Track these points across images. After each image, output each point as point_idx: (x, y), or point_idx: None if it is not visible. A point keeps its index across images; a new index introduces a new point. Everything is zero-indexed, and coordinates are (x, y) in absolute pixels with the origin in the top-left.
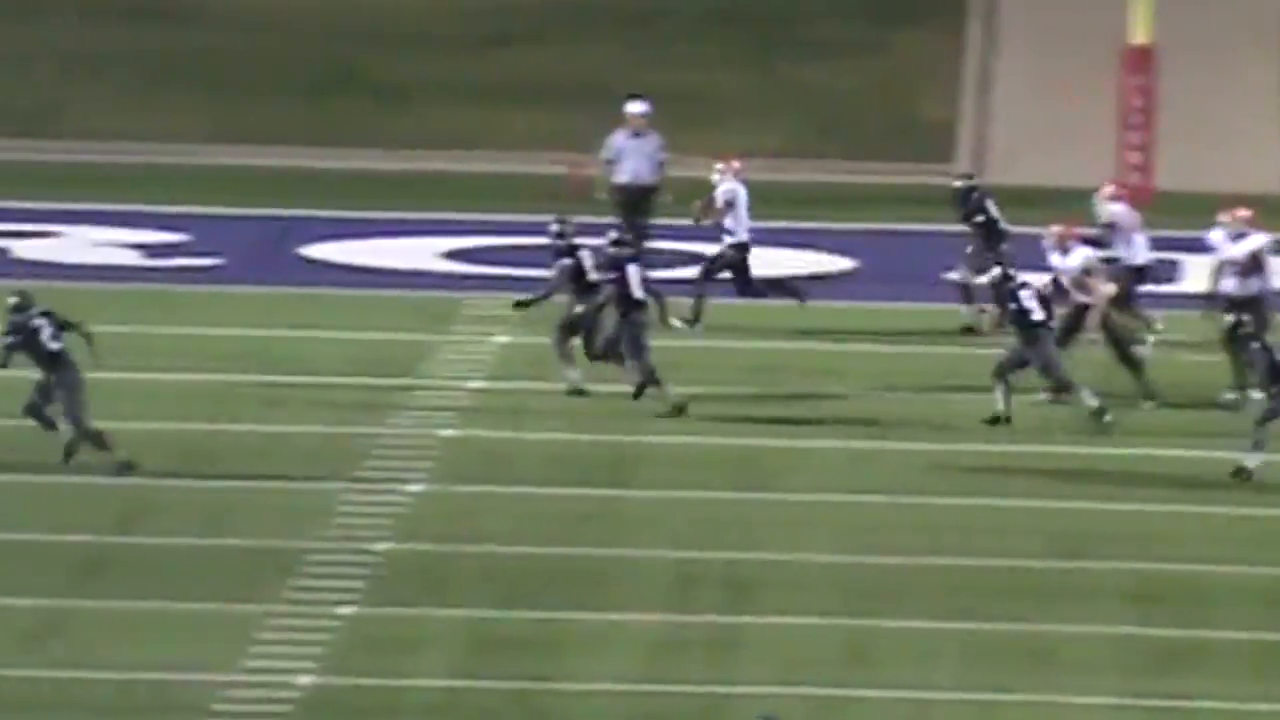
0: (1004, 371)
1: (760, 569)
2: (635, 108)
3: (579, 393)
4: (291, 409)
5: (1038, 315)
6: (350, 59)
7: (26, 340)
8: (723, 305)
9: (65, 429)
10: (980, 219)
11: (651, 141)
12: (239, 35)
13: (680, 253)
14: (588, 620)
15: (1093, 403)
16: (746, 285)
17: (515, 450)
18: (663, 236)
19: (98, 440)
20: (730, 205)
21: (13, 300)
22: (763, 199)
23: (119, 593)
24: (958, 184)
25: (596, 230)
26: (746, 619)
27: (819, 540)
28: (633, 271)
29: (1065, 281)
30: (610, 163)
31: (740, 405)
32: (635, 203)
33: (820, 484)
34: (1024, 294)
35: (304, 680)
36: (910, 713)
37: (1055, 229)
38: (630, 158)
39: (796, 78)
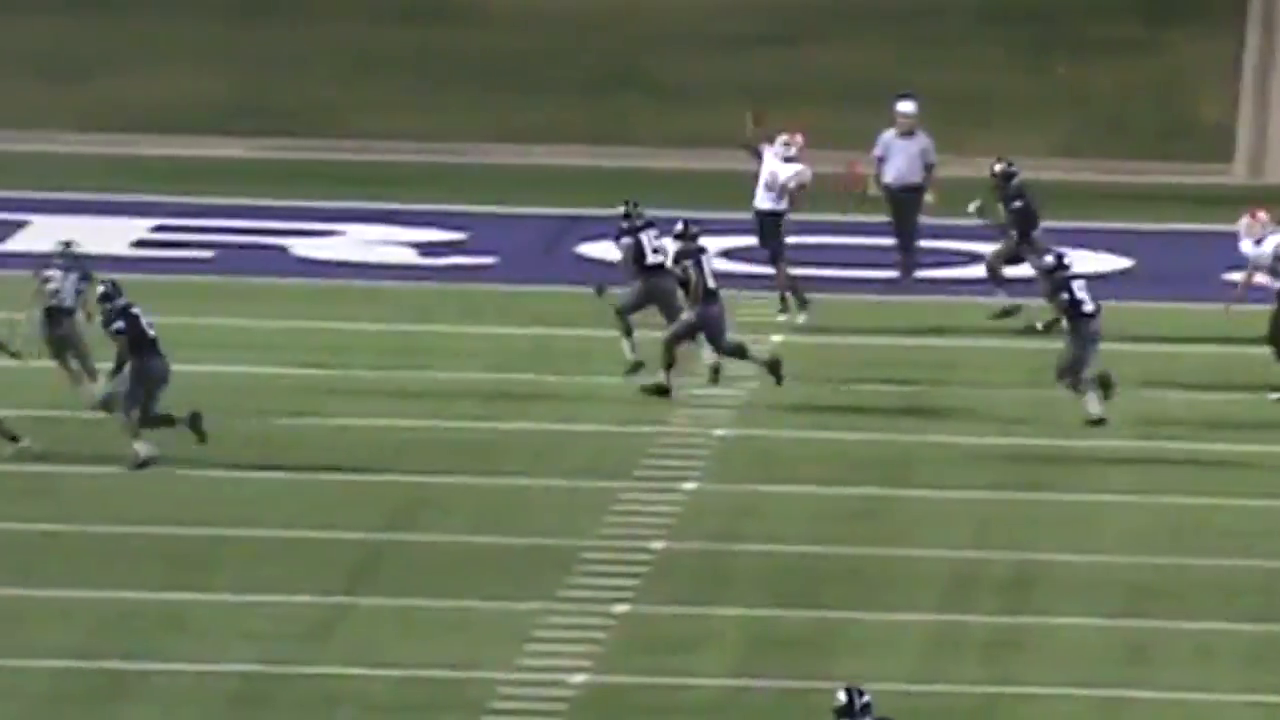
0: (1067, 373)
1: (1039, 569)
2: (903, 107)
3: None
4: (568, 407)
5: (1089, 307)
6: (630, 57)
7: (129, 325)
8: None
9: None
10: (1017, 205)
11: (919, 142)
12: (519, 35)
13: (958, 253)
14: (864, 620)
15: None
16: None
17: (790, 449)
18: (933, 236)
19: (166, 422)
20: (802, 188)
21: (101, 289)
22: (1039, 198)
23: (395, 590)
24: (997, 167)
25: (870, 230)
26: (1025, 619)
27: (1099, 540)
28: (704, 261)
29: (1261, 271)
30: (882, 160)
31: (1019, 405)
32: (900, 202)
33: (1100, 484)
34: (1076, 284)
35: (579, 679)
36: (1192, 714)
37: (1246, 217)
38: (897, 157)
39: (1072, 77)
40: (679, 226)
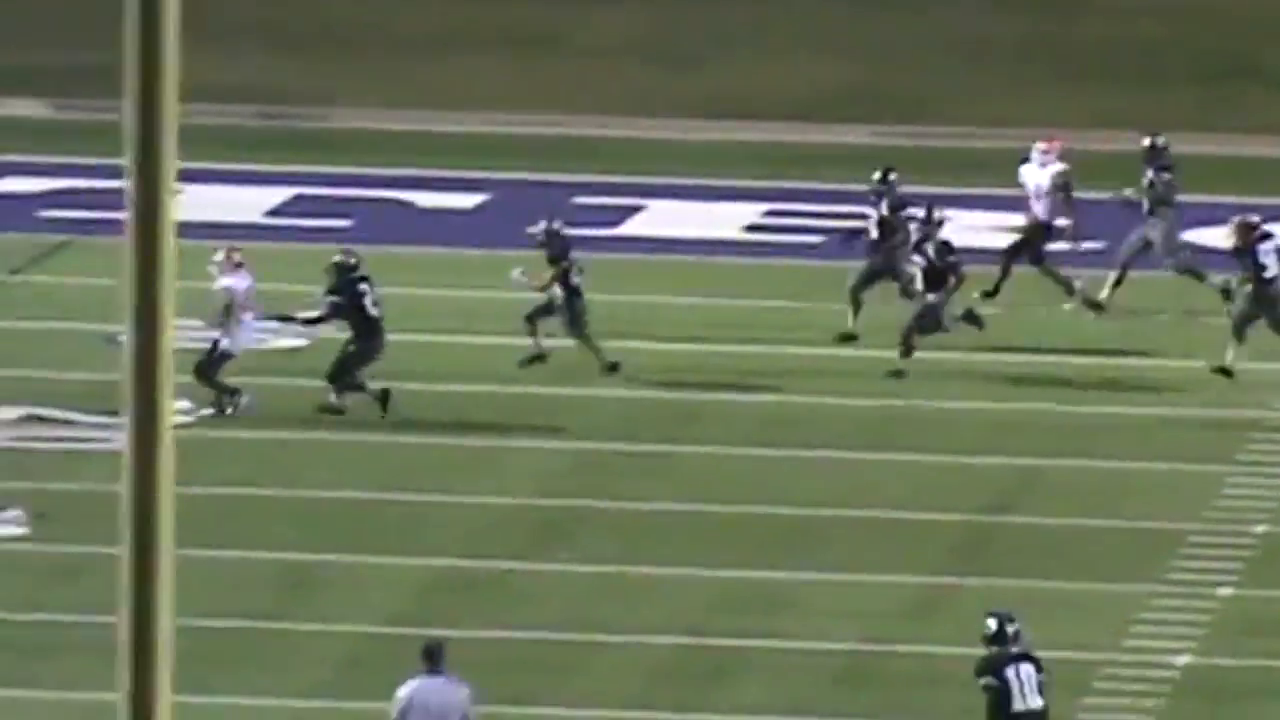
0: (1239, 328)
1: None
2: None
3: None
4: (1167, 393)
5: (1272, 272)
6: (1247, 46)
7: (351, 301)
8: None
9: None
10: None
11: None
12: (1129, 23)
13: None
14: None
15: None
16: (1039, 260)
17: None
18: None
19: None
20: (1065, 189)
21: (337, 259)
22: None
23: (1001, 571)
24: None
25: None
26: None
27: None
28: (927, 248)
29: None
30: None
31: None
32: None
33: None
34: (1262, 247)
35: (1181, 660)
36: None
37: None
38: None
39: None
40: (921, 212)
